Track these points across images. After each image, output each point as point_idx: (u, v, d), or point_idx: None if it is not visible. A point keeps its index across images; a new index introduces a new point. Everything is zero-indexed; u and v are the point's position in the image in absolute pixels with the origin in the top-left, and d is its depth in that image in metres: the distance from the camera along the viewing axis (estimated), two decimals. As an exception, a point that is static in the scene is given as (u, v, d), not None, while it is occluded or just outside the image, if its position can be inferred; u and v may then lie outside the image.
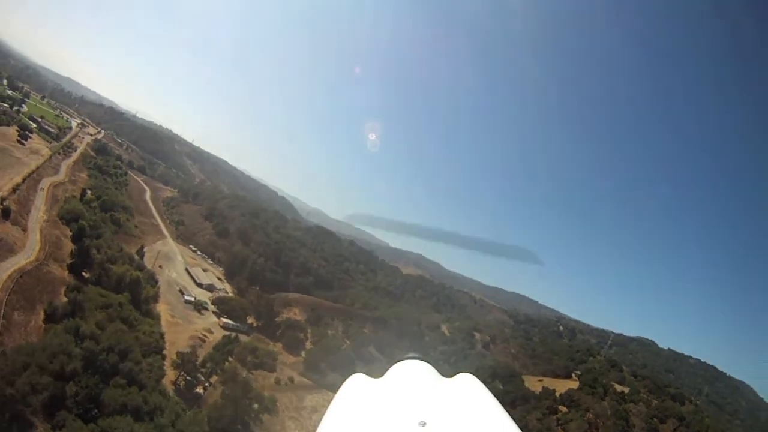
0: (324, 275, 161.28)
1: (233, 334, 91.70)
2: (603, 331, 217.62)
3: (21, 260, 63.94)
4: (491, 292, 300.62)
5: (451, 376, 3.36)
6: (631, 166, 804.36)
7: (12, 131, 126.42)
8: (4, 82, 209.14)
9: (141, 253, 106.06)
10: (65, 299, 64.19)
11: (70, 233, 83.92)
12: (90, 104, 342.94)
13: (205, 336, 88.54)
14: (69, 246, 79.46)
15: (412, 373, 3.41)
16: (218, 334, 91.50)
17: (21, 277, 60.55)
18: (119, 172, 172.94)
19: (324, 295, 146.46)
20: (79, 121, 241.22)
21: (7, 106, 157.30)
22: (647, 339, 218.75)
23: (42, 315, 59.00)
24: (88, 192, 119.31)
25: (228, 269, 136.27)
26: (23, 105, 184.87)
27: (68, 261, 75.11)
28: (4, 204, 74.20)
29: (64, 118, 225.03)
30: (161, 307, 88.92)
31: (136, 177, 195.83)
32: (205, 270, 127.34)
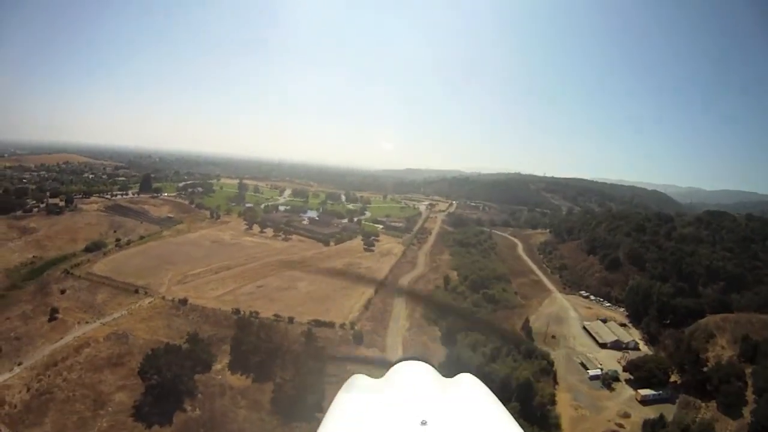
0: (733, 271, 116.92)
1: (657, 414, 68.12)
2: None
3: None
4: None
5: (451, 377, 3.46)
6: None
7: (357, 243, 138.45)
8: (343, 198, 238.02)
9: (527, 327, 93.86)
10: None
11: (439, 334, 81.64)
12: (433, 182, 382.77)
13: (620, 426, 68.35)
14: (439, 350, 76.35)
15: (413, 373, 3.50)
16: (638, 416, 69.82)
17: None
18: (482, 237, 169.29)
19: (746, 302, 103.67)
20: (427, 203, 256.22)
21: (347, 221, 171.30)
22: None
23: None
24: (453, 275, 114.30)
25: (631, 308, 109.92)
26: (365, 212, 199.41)
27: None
28: (354, 328, 74.15)
29: (411, 206, 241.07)
30: (560, 397, 73.34)
31: (502, 234, 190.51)
32: (604, 321, 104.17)
